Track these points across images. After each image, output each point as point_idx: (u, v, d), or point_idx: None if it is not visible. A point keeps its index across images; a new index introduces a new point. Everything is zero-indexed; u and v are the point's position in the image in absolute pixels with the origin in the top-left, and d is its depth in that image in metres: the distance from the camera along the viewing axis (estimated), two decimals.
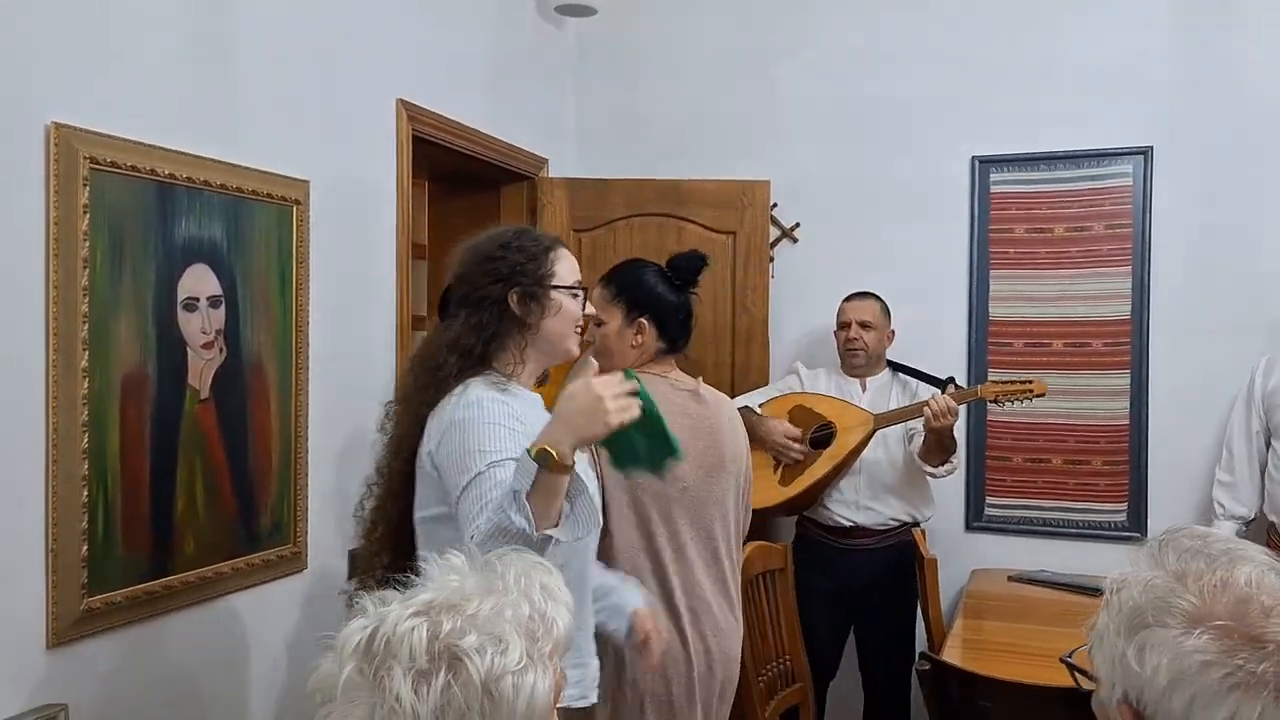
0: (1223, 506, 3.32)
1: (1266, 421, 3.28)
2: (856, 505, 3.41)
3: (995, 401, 3.23)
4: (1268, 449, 3.27)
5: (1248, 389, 3.33)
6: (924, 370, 3.49)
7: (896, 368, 3.58)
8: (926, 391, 3.42)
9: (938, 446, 3.25)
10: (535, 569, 1.04)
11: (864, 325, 3.50)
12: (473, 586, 0.99)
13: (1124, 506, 3.59)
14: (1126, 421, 3.58)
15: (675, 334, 2.48)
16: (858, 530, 3.41)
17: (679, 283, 2.48)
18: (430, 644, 0.95)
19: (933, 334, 3.79)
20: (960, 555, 3.68)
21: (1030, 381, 3.20)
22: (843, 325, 3.54)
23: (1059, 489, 3.67)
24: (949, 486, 3.61)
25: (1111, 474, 3.60)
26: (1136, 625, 0.93)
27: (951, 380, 3.37)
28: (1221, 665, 0.87)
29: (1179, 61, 3.55)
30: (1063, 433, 3.66)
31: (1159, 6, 3.57)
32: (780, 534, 3.69)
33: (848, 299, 3.57)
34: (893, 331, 3.58)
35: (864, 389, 3.54)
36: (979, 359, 3.77)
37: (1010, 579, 3.46)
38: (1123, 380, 3.58)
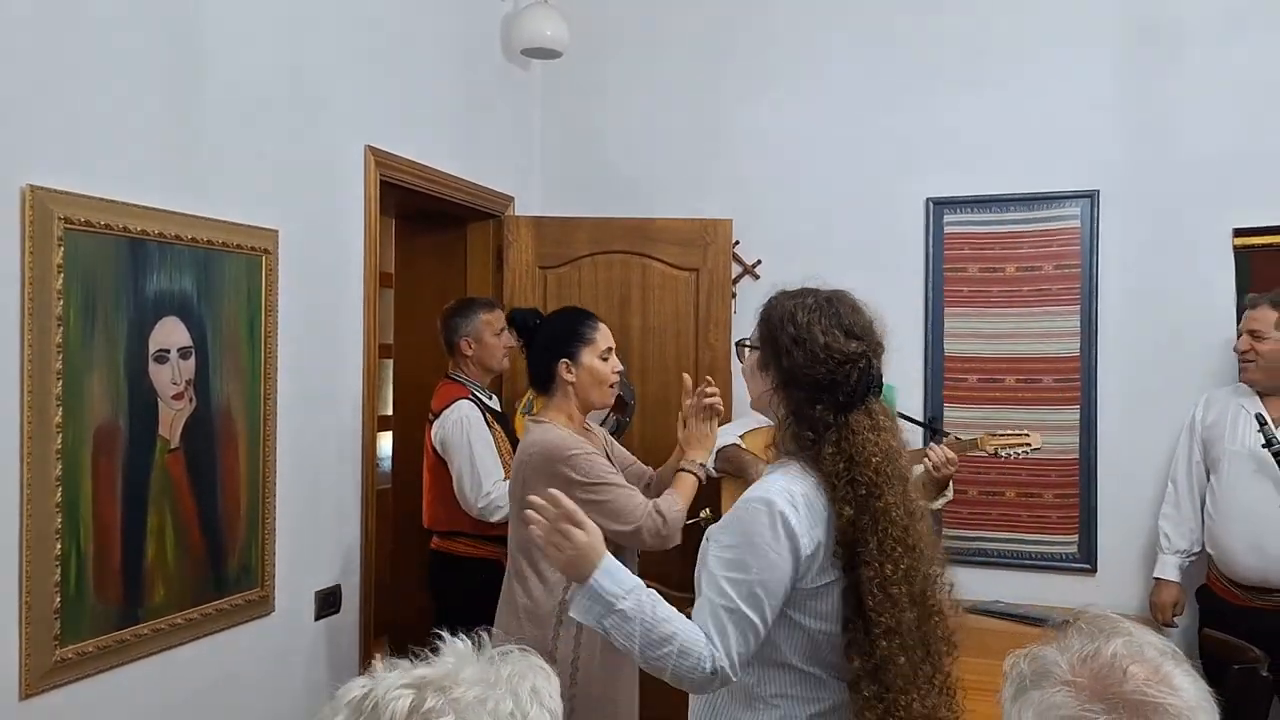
0: (1168, 539, 3.43)
1: (1204, 455, 3.40)
2: None
3: (995, 454, 3.28)
4: (1209, 483, 3.38)
5: (1190, 424, 3.45)
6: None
7: None
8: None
9: (934, 487, 3.30)
10: (533, 671, 1.09)
11: None
12: (468, 673, 1.04)
13: (1074, 539, 3.69)
14: (1076, 456, 3.69)
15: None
16: None
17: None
18: (409, 716, 1.00)
19: (891, 368, 3.84)
20: None
21: (1026, 434, 3.26)
22: None
23: (1012, 521, 3.77)
24: None
25: (1062, 507, 3.71)
26: (1021, 690, 1.08)
27: (933, 421, 3.44)
28: (1076, 718, 1.01)
29: (1124, 109, 3.67)
30: (1016, 466, 3.74)
31: (1106, 56, 3.70)
32: None
33: None
34: None
35: None
36: (935, 393, 3.87)
37: (965, 610, 3.54)
38: (1072, 415, 3.69)
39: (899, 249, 3.92)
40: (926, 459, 3.21)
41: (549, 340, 2.65)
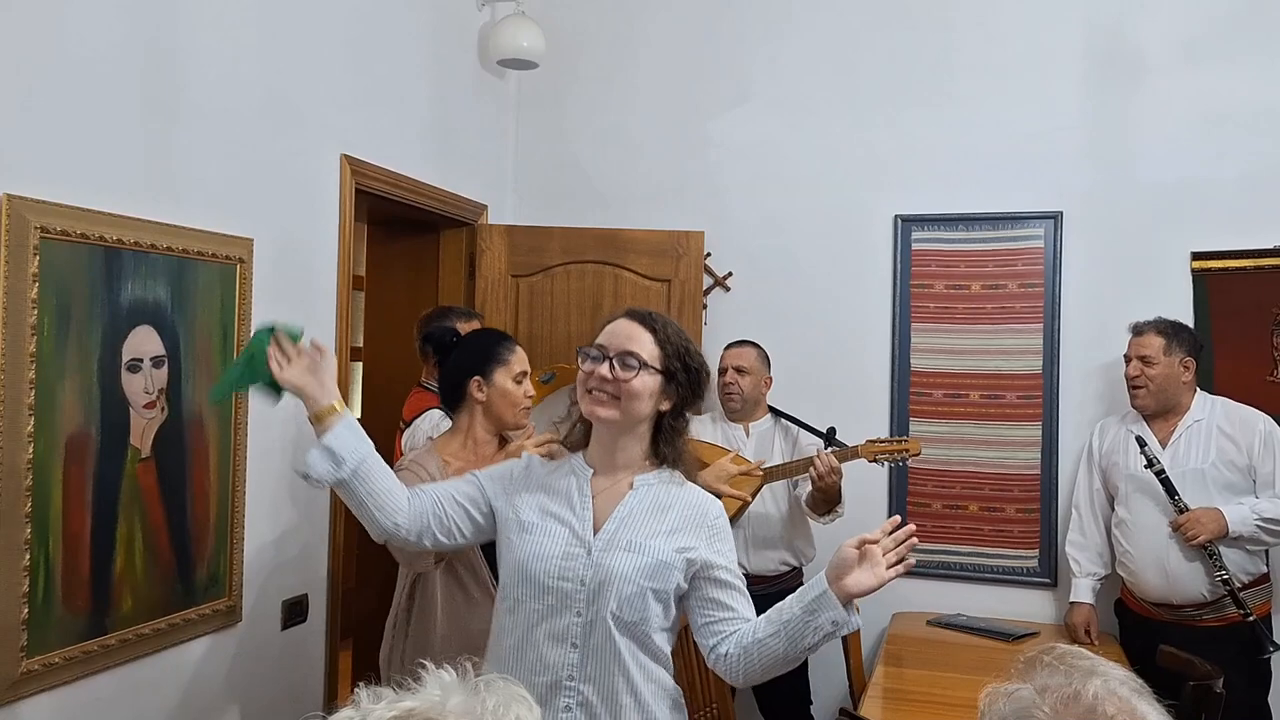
0: (1077, 564, 3.50)
1: (1105, 483, 3.48)
2: (746, 555, 3.39)
3: (874, 460, 3.30)
4: (1111, 508, 3.46)
5: (1087, 451, 3.55)
6: (804, 420, 3.59)
7: (778, 414, 3.68)
8: (807, 439, 3.52)
9: (824, 500, 3.33)
10: (517, 701, 1.09)
11: (739, 370, 3.61)
12: (454, 704, 1.04)
13: (1035, 553, 3.76)
14: (1038, 471, 3.76)
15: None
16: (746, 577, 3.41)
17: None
18: None
19: (858, 382, 3.94)
20: (882, 598, 3.77)
21: (905, 441, 3.29)
22: (720, 371, 3.64)
23: (975, 535, 3.83)
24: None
25: (1024, 521, 3.78)
26: None
27: (832, 430, 3.44)
28: None
29: (1088, 134, 3.75)
30: (979, 481, 3.82)
31: (1071, 83, 3.78)
32: None
33: (727, 347, 3.71)
34: (770, 378, 3.69)
35: (748, 434, 3.63)
36: (901, 407, 3.93)
37: (929, 623, 3.60)
38: (1034, 431, 3.76)
39: (867, 264, 3.98)
40: (813, 468, 3.20)
41: (464, 358, 2.62)
